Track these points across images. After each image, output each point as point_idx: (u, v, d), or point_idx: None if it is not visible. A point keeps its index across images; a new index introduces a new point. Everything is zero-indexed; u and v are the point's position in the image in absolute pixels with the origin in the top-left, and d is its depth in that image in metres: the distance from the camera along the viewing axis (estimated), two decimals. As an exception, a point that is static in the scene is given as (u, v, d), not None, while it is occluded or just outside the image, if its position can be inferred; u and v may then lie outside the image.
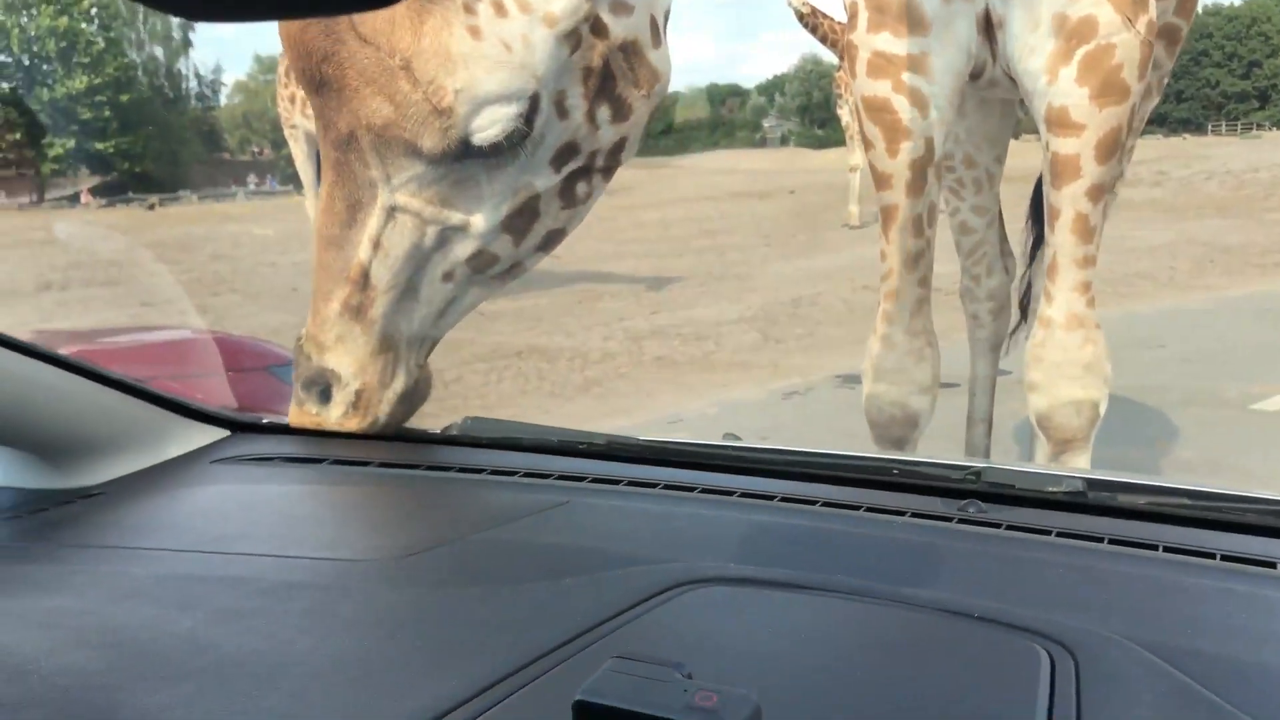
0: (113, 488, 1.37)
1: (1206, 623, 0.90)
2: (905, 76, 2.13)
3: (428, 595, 0.96)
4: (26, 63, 49.08)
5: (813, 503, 1.19)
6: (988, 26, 2.09)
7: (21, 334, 1.42)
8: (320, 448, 1.54)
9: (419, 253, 1.59)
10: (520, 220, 1.66)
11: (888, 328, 2.29)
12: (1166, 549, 1.05)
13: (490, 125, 1.51)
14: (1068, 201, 2.05)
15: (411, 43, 1.45)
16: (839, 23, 11.94)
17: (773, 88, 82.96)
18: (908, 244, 2.23)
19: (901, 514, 1.15)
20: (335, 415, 1.61)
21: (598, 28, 1.59)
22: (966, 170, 3.23)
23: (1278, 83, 62.60)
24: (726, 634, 0.86)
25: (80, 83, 47.12)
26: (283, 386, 2.17)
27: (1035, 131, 2.16)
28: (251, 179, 45.39)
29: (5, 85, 47.68)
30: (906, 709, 0.75)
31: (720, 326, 8.50)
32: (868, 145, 2.24)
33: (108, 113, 46.64)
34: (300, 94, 8.87)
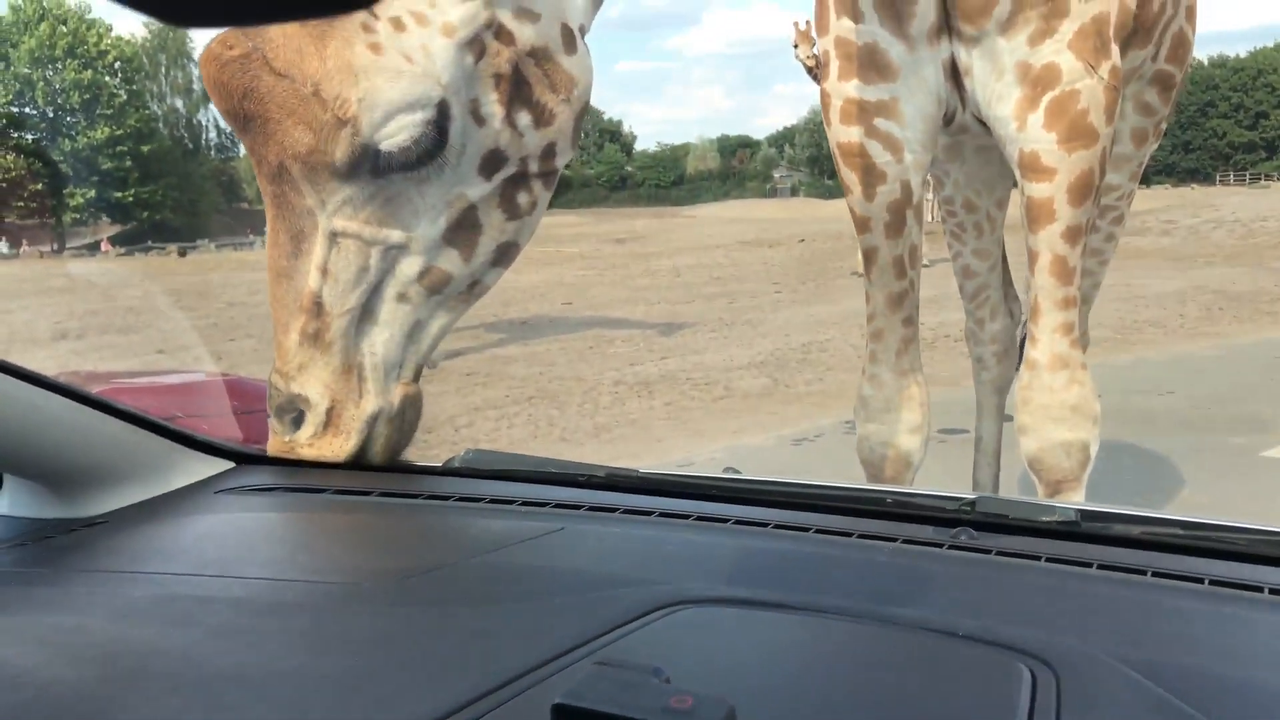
0: (116, 516, 1.39)
1: (1190, 641, 0.90)
2: (877, 122, 2.17)
3: (419, 615, 0.97)
4: (51, 115, 50.09)
5: (805, 530, 1.20)
6: (955, 74, 2.14)
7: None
8: (323, 479, 1.55)
9: (367, 275, 1.62)
10: (462, 233, 1.68)
11: (875, 368, 2.32)
12: (1155, 574, 1.05)
13: (399, 132, 1.54)
14: (1045, 244, 2.08)
15: (319, 67, 1.50)
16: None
17: (783, 139, 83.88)
18: (890, 285, 2.26)
19: (893, 540, 1.16)
20: (306, 435, 1.63)
21: (502, 34, 1.62)
22: (967, 215, 3.26)
23: (1285, 133, 62.89)
24: (711, 650, 0.87)
25: (102, 133, 48.05)
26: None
27: None
28: (268, 228, 45.71)
29: (30, 137, 48.57)
30: None
31: (730, 372, 8.52)
32: (846, 190, 2.28)
33: (128, 163, 47.46)
34: None
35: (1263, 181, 52.05)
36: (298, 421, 1.64)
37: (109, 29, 51.75)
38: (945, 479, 4.19)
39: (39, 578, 1.15)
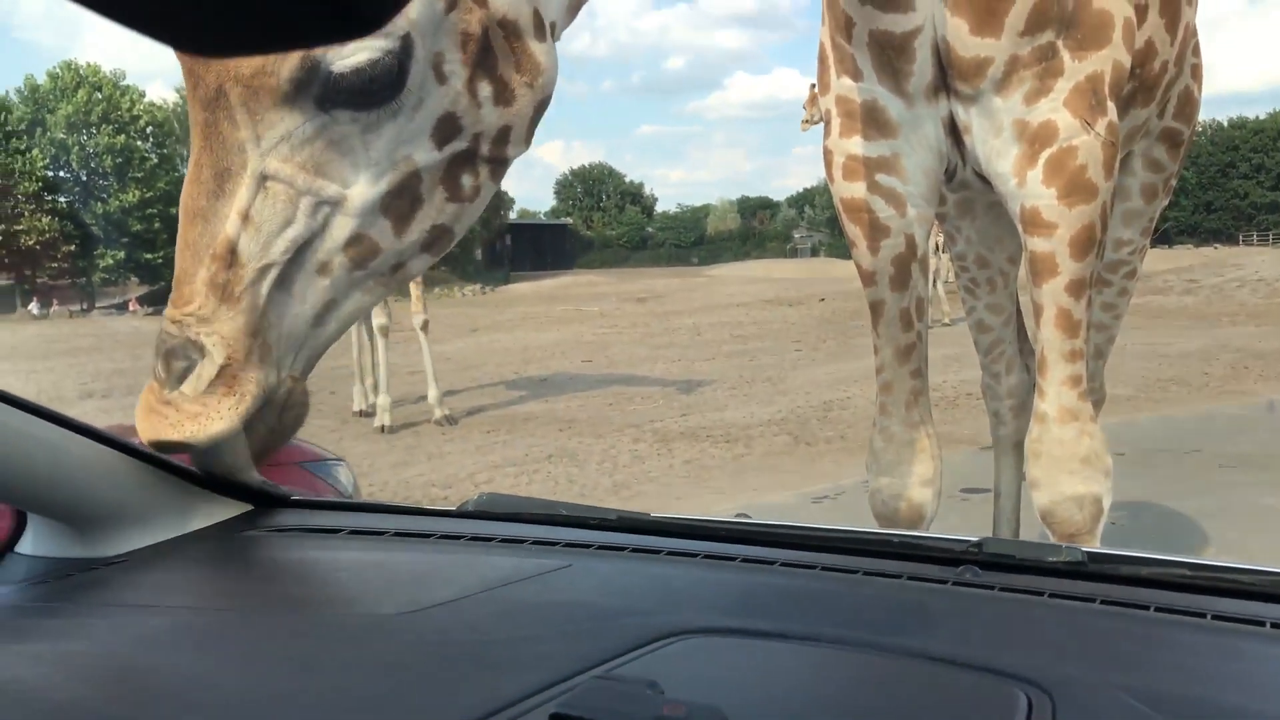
0: (138, 556, 1.42)
1: (1190, 671, 0.91)
2: (879, 177, 2.21)
3: (425, 644, 0.99)
4: (85, 178, 51.26)
5: (811, 567, 1.21)
6: (954, 130, 2.18)
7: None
8: (338, 519, 1.58)
9: (292, 229, 1.47)
10: (401, 203, 1.54)
11: (885, 420, 2.34)
12: (1158, 609, 1.05)
13: (356, 51, 1.41)
14: (1049, 298, 2.10)
15: None
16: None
17: (802, 200, 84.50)
18: (898, 338, 2.29)
19: (898, 578, 1.17)
20: (193, 388, 1.42)
21: None
22: (980, 270, 3.29)
23: (1307, 193, 62.78)
24: (711, 675, 0.88)
25: (133, 196, 49.06)
26: (315, 481, 2.23)
27: None
28: (293, 288, 46.28)
29: (64, 199, 49.71)
30: None
31: (751, 429, 8.51)
32: (851, 245, 2.31)
33: (158, 224, 48.34)
34: None
35: (1286, 241, 51.86)
36: (182, 378, 1.44)
37: (142, 95, 53.16)
38: (967, 535, 4.14)
39: (60, 611, 1.18)
